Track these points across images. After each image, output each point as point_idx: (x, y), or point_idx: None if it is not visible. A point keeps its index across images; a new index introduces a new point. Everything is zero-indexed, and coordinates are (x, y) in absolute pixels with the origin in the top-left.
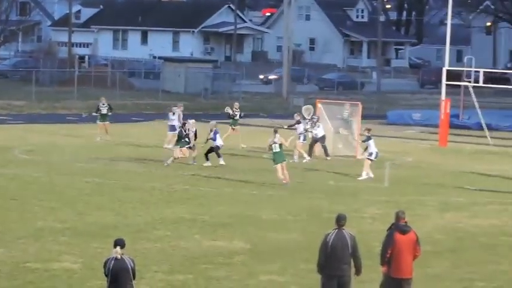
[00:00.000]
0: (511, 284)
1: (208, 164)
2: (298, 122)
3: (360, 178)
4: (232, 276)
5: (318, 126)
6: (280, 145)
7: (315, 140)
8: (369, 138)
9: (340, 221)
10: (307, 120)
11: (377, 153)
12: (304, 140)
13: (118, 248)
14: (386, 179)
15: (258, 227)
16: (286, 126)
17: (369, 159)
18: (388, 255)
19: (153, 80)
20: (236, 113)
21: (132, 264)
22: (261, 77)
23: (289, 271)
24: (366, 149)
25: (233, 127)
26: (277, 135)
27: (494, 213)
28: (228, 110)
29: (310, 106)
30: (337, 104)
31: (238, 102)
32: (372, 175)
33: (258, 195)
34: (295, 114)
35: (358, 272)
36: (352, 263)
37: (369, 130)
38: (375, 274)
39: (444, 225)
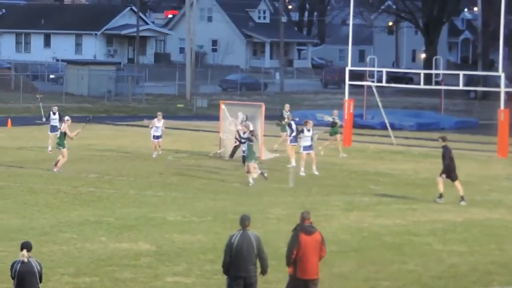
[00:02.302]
0: (416, 283)
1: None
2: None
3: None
4: (138, 278)
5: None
6: (64, 133)
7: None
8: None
9: (244, 222)
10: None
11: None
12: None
13: (24, 251)
14: (291, 180)
15: (163, 228)
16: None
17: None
18: (294, 256)
19: (56, 83)
20: (285, 115)
21: (38, 268)
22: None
23: (195, 272)
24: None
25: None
26: (64, 124)
27: (399, 213)
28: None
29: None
30: (241, 105)
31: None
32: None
33: (162, 197)
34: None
35: (263, 272)
36: (258, 264)
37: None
38: (281, 274)
39: (349, 225)
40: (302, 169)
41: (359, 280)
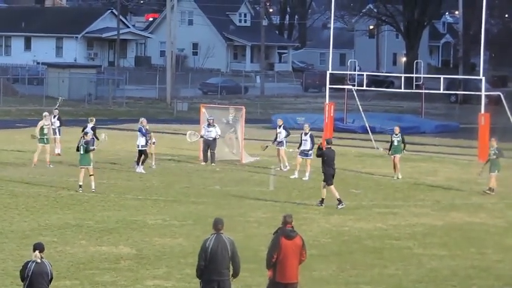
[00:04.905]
0: (397, 287)
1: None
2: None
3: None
4: (118, 282)
5: (214, 126)
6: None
7: (207, 144)
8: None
9: (218, 225)
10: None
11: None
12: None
13: (37, 252)
14: (271, 183)
15: (144, 232)
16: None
17: None
18: (274, 259)
19: (37, 85)
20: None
21: (51, 268)
22: None
23: (175, 276)
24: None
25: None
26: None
27: (379, 217)
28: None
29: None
30: (221, 109)
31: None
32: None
33: (143, 200)
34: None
35: (235, 275)
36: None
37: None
38: (262, 278)
39: (330, 228)
40: (296, 173)
41: (340, 284)
